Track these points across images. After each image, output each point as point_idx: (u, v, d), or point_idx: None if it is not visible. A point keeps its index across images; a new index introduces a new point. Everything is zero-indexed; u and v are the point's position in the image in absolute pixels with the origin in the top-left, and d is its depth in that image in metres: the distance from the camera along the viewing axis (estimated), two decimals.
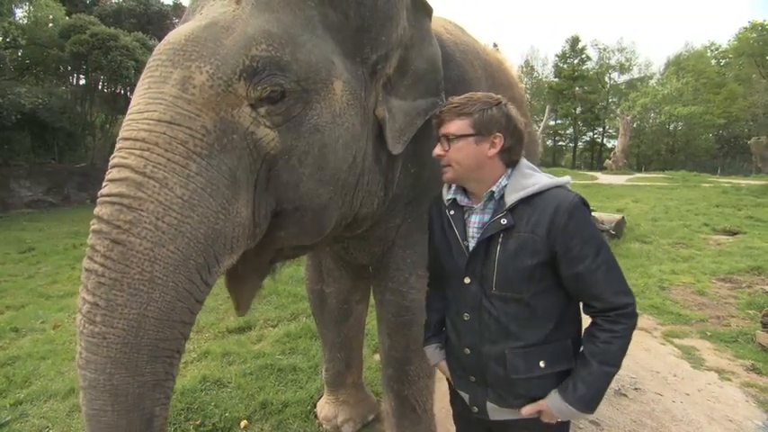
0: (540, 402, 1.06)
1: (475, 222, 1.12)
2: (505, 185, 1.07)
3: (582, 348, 1.05)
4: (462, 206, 1.15)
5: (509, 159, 1.09)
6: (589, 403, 1.01)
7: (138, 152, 0.88)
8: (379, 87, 1.27)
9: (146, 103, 0.92)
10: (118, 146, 0.91)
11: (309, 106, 1.04)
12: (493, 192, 1.08)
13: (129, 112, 0.95)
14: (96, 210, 0.87)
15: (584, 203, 1.03)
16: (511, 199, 1.04)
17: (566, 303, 1.07)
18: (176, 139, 0.89)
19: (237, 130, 0.95)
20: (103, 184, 0.89)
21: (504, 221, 1.03)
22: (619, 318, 1.00)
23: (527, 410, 1.07)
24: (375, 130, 1.29)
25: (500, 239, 1.04)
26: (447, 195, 1.18)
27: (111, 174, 0.89)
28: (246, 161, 0.97)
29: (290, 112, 1.01)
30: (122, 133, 0.92)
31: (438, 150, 1.11)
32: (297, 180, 1.06)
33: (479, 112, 1.05)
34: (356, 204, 1.32)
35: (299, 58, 1.01)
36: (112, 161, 0.90)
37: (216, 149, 0.92)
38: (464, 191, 1.16)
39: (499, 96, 1.10)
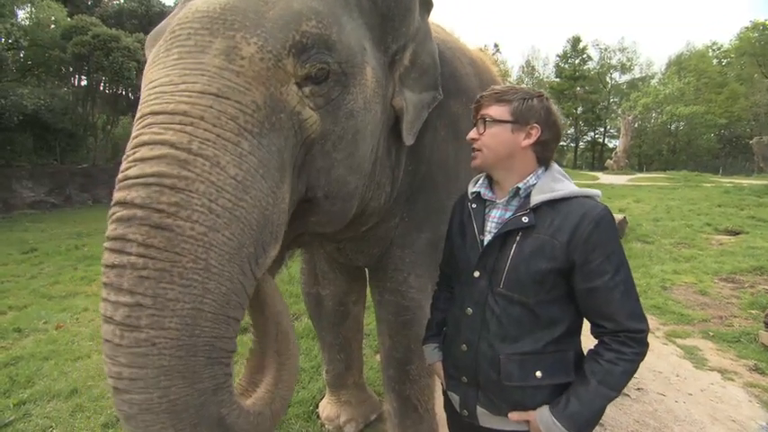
0: (530, 413, 1.01)
1: (494, 217, 1.09)
2: (533, 184, 1.04)
3: (584, 366, 1.00)
4: (485, 200, 1.13)
5: (542, 154, 1.06)
6: (579, 424, 0.94)
7: (178, 126, 0.76)
8: (397, 78, 1.28)
9: (180, 74, 0.81)
10: (143, 122, 0.79)
11: (347, 90, 1.01)
12: (519, 188, 1.05)
13: (149, 84, 0.83)
14: (120, 195, 0.74)
15: (612, 217, 0.99)
16: (536, 199, 1.00)
17: (572, 317, 1.03)
18: (225, 113, 0.79)
19: (285, 109, 0.89)
20: (124, 166, 0.76)
21: (525, 219, 1.00)
22: (629, 340, 0.94)
23: (514, 416, 1.04)
24: (389, 122, 1.30)
25: (517, 238, 1.01)
26: (472, 188, 1.17)
27: (140, 152, 0.75)
28: (292, 142, 0.91)
29: (330, 94, 0.97)
30: (148, 107, 0.80)
31: (472, 134, 1.09)
32: (329, 166, 1.01)
33: (519, 100, 1.03)
34: (368, 196, 1.30)
35: (342, 39, 0.98)
36: (137, 139, 0.78)
37: (266, 128, 0.85)
38: (490, 186, 1.14)
39: (542, 90, 1.09)
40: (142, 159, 0.75)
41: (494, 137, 1.04)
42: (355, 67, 1.02)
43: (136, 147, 0.77)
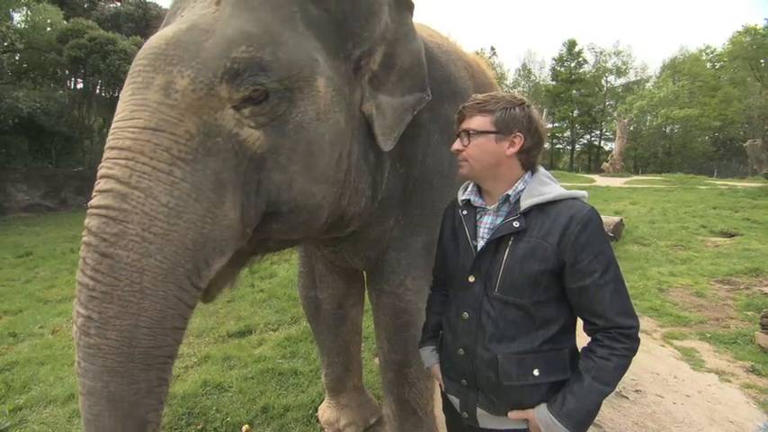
0: (529, 411, 1.03)
1: (486, 223, 1.12)
2: (522, 190, 1.07)
3: (578, 363, 1.03)
4: (475, 207, 1.15)
5: (527, 161, 1.09)
6: (577, 421, 0.97)
7: (123, 162, 0.88)
8: (365, 83, 1.27)
9: (130, 110, 0.92)
10: (105, 155, 0.91)
11: (294, 105, 1.04)
12: (509, 195, 1.08)
13: (114, 119, 0.95)
14: (86, 221, 0.88)
15: (599, 218, 1.02)
16: (526, 203, 1.03)
17: (567, 315, 1.06)
18: (161, 146, 0.89)
19: (221, 133, 0.95)
20: (93, 194, 0.89)
21: (516, 224, 1.03)
22: (620, 336, 0.97)
23: (513, 415, 1.05)
24: (362, 128, 1.29)
25: (510, 242, 1.04)
26: (462, 196, 1.19)
27: (99, 185, 0.89)
28: (232, 163, 0.97)
29: (274, 111, 1.01)
30: (109, 142, 0.92)
31: (457, 145, 1.11)
32: (289, 179, 1.06)
33: (502, 110, 1.05)
34: (344, 203, 1.32)
35: (280, 57, 1.01)
36: (100, 171, 0.90)
37: (200, 153, 0.92)
38: (479, 193, 1.16)
39: (523, 98, 1.11)
40: (99, 191, 0.88)
41: (478, 147, 1.07)
42: (301, 81, 1.05)
43: (99, 178, 0.90)
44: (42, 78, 14.56)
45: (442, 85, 1.53)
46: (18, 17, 13.45)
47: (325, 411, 2.29)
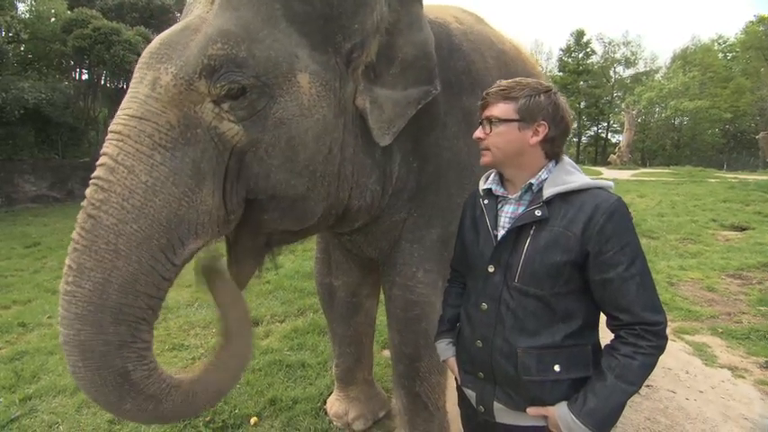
0: (549, 408, 1.00)
1: (508, 212, 1.09)
2: (545, 179, 1.03)
3: (601, 361, 0.99)
4: (497, 196, 1.12)
5: (551, 150, 1.05)
6: (598, 421, 0.92)
7: (114, 143, 0.99)
8: (358, 77, 1.25)
9: (126, 101, 1.04)
10: (106, 137, 1.03)
11: (274, 100, 1.08)
12: (531, 184, 1.04)
13: (119, 109, 1.07)
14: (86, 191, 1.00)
15: (626, 209, 0.98)
16: (549, 192, 1.00)
17: (589, 310, 1.02)
18: (144, 132, 0.99)
19: (201, 125, 1.03)
20: None
21: (538, 213, 0.99)
22: (645, 333, 0.93)
23: (532, 411, 1.02)
24: (360, 121, 1.27)
25: (531, 231, 1.00)
26: (483, 186, 1.15)
27: (99, 161, 1.01)
28: (211, 153, 1.04)
29: (254, 106, 1.06)
30: (110, 127, 1.04)
31: (478, 133, 1.07)
32: (266, 171, 1.11)
33: (526, 97, 1.00)
34: (343, 196, 1.32)
35: (255, 54, 1.05)
36: (101, 151, 1.02)
37: (180, 143, 1.00)
38: (501, 182, 1.13)
39: (549, 84, 1.06)
40: (97, 165, 1.00)
41: (501, 136, 1.03)
42: (279, 77, 1.08)
43: (100, 155, 1.01)
44: (47, 69, 14.54)
45: (461, 76, 1.48)
46: (22, 7, 13.44)
47: (334, 404, 2.28)
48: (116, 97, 14.80)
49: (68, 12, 13.24)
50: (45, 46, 13.12)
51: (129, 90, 1.06)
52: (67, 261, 0.96)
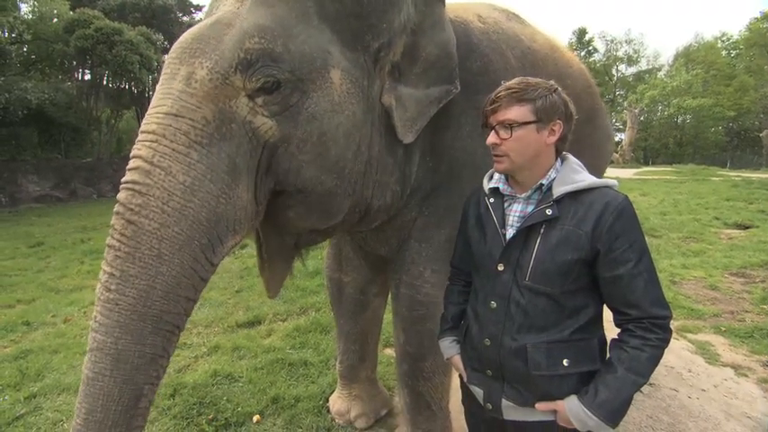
0: (558, 402, 1.01)
1: (516, 211, 1.09)
2: (554, 178, 1.04)
3: (609, 355, 1.01)
4: (503, 195, 1.12)
5: (561, 147, 1.06)
6: (610, 412, 0.94)
7: (148, 143, 0.97)
8: (385, 75, 1.27)
9: (158, 98, 1.01)
10: (138, 138, 1.00)
11: (306, 95, 1.08)
12: (542, 184, 1.05)
13: (150, 107, 1.05)
14: (118, 195, 0.98)
15: (633, 207, 0.99)
16: (558, 191, 1.01)
17: (596, 305, 1.04)
18: (180, 130, 0.97)
19: (236, 120, 1.02)
20: (126, 173, 0.99)
21: (549, 212, 1.00)
22: (653, 327, 0.95)
23: (541, 406, 1.03)
24: (385, 120, 1.28)
25: (542, 230, 1.01)
26: (488, 184, 1.15)
27: (130, 164, 0.98)
28: (246, 148, 1.03)
29: (287, 101, 1.06)
30: (141, 127, 1.01)
31: (493, 138, 1.03)
32: (297, 167, 1.10)
33: (542, 98, 0.99)
34: (367, 194, 1.32)
35: (291, 49, 1.05)
36: (132, 152, 0.99)
37: (215, 138, 0.99)
38: (507, 180, 1.13)
39: (552, 82, 1.05)
40: (129, 169, 0.98)
41: (520, 140, 1.01)
42: (313, 73, 1.09)
43: (131, 158, 0.99)
44: (50, 69, 14.60)
45: (477, 77, 1.47)
46: (25, 8, 13.50)
47: (336, 402, 2.29)
48: (118, 98, 14.89)
49: (70, 12, 13.29)
50: (47, 46, 13.17)
51: (160, 86, 1.03)
52: (107, 268, 0.93)
